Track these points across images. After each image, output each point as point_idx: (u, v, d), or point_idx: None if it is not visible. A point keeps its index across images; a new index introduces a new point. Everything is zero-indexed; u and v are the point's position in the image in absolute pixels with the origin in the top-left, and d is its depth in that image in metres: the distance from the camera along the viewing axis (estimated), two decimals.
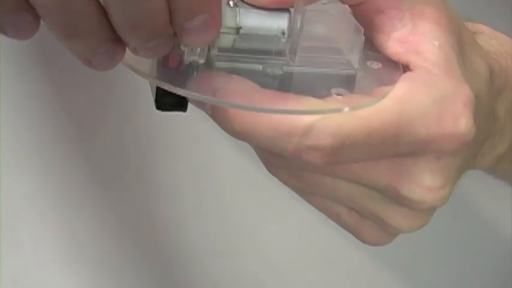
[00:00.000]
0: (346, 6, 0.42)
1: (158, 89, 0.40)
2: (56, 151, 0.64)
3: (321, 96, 0.39)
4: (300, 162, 0.39)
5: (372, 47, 0.42)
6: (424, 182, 0.40)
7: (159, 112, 0.40)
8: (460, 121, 0.39)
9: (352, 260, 0.63)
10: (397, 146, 0.39)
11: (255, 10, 0.40)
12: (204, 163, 0.63)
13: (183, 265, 0.63)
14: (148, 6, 0.35)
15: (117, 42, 0.37)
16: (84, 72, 0.64)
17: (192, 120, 0.62)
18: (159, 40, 0.37)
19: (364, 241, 0.43)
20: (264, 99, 0.38)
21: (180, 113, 0.41)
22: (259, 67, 0.40)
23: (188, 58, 0.40)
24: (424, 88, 0.39)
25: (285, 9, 0.40)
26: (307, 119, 0.38)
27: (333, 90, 0.40)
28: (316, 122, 0.38)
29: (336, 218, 0.43)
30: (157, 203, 0.63)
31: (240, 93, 0.38)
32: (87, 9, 0.36)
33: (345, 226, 0.43)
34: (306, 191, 0.42)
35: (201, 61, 0.40)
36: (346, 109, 0.38)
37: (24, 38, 0.37)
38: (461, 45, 0.42)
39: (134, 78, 0.40)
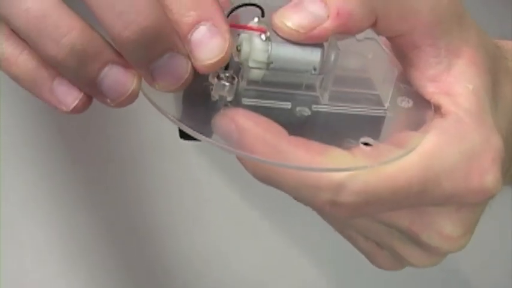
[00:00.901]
0: (381, 39, 0.41)
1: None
2: (56, 151, 0.64)
3: (348, 146, 0.39)
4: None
5: (405, 80, 0.42)
6: (444, 231, 0.40)
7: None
8: (486, 177, 0.39)
9: (350, 260, 0.63)
10: (422, 200, 0.39)
11: (288, 44, 0.39)
12: (202, 164, 0.63)
13: (183, 265, 0.63)
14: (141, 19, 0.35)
15: (122, 66, 0.37)
16: None
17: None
18: (166, 56, 0.36)
19: (377, 266, 0.44)
20: (290, 149, 0.37)
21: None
22: (288, 105, 0.39)
23: (216, 93, 0.39)
24: (453, 141, 0.39)
25: (318, 44, 0.39)
26: (334, 177, 0.37)
27: (361, 140, 0.39)
28: (342, 180, 0.37)
29: (353, 242, 0.43)
30: (157, 203, 0.63)
31: (265, 139, 0.37)
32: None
33: (360, 250, 0.43)
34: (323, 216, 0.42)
35: (229, 98, 0.39)
36: (373, 166, 0.38)
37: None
38: (496, 79, 0.42)
39: None
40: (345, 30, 0.38)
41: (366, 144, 0.39)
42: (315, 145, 0.38)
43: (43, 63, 0.37)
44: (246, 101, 0.39)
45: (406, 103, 0.41)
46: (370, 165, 0.38)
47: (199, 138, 0.38)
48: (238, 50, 0.39)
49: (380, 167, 0.38)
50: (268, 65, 0.39)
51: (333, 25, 0.38)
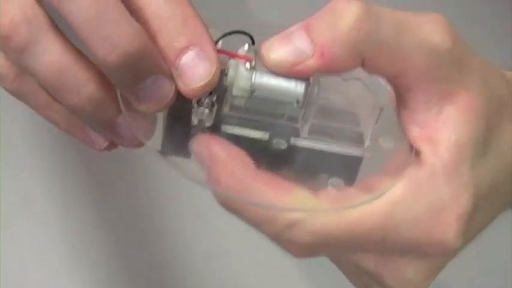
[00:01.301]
0: (364, 79, 0.41)
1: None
2: (56, 151, 0.64)
3: (317, 186, 0.39)
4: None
5: (393, 120, 0.41)
6: (407, 275, 0.40)
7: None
8: (449, 234, 0.39)
9: None
10: (383, 246, 0.39)
11: (273, 75, 0.39)
12: None
13: (182, 266, 0.63)
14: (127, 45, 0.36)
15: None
16: None
17: None
18: (150, 79, 0.37)
19: None
20: (254, 184, 0.38)
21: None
22: (266, 136, 0.40)
23: (195, 118, 0.39)
24: (421, 193, 0.39)
25: (304, 78, 0.39)
26: (292, 215, 0.38)
27: (331, 181, 0.40)
28: (299, 219, 0.38)
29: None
30: (157, 203, 0.63)
31: (233, 172, 0.38)
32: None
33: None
34: None
35: (208, 123, 0.39)
36: (333, 210, 0.38)
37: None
38: (497, 124, 0.41)
39: None
40: (328, 71, 0.38)
41: (336, 186, 0.40)
42: (280, 182, 0.38)
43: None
44: (225, 127, 0.40)
45: (387, 143, 0.41)
46: (331, 209, 0.38)
47: (173, 169, 0.39)
48: (225, 74, 0.39)
49: (342, 211, 0.38)
50: (251, 93, 0.39)
51: (316, 64, 0.38)
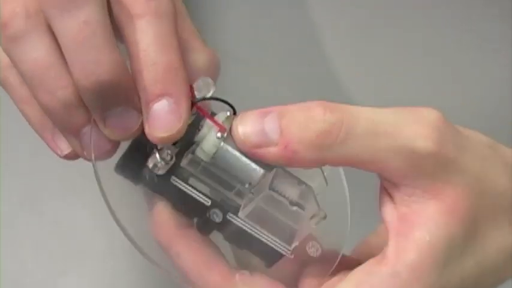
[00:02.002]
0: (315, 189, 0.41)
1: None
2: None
3: (227, 271, 0.40)
4: None
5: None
6: None
7: None
8: None
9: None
10: None
11: (238, 151, 0.39)
12: None
13: None
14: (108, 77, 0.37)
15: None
16: None
17: None
18: (119, 109, 0.38)
19: None
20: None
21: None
22: (208, 202, 0.40)
23: (151, 162, 0.40)
24: None
25: (267, 165, 0.40)
26: None
27: (240, 273, 0.40)
28: None
29: None
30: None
31: (161, 230, 0.40)
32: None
33: None
34: None
35: (160, 172, 0.40)
36: None
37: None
38: (487, 225, 0.40)
39: None
40: (288, 164, 0.38)
41: (242, 276, 0.40)
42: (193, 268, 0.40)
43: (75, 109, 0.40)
44: (174, 179, 0.40)
45: (314, 251, 0.41)
46: None
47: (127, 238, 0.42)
48: (199, 130, 0.40)
49: None
50: (212, 158, 0.39)
51: (278, 154, 0.38)
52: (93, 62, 0.36)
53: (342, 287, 0.38)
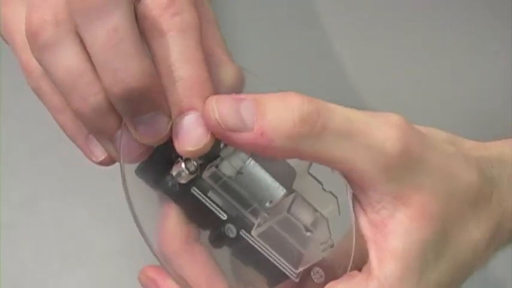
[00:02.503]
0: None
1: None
2: (55, 152, 0.64)
3: (238, 281, 0.41)
4: None
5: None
6: None
7: None
8: None
9: None
10: None
11: (263, 170, 0.40)
12: None
13: None
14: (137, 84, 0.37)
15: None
16: None
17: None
18: (149, 115, 0.38)
19: None
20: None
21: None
22: (224, 216, 0.41)
23: (174, 170, 0.40)
24: None
25: (288, 185, 0.40)
26: None
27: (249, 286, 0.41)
28: None
29: None
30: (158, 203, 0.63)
31: (169, 240, 0.41)
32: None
33: None
34: None
35: (182, 181, 0.40)
36: None
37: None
38: (458, 223, 0.40)
39: None
40: (261, 152, 0.38)
41: None
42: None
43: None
44: (194, 190, 0.41)
45: (318, 277, 0.41)
46: None
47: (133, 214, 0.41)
48: (225, 144, 0.40)
49: None
50: (237, 173, 0.40)
51: (252, 140, 0.38)
52: (123, 70, 0.36)
53: None
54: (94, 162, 0.42)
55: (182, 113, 0.38)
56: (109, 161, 0.42)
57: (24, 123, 0.65)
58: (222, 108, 0.38)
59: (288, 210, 0.40)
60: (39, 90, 0.41)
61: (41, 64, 0.39)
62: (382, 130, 0.39)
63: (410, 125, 0.39)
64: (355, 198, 0.40)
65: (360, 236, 0.40)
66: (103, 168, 0.64)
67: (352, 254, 0.41)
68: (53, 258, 0.62)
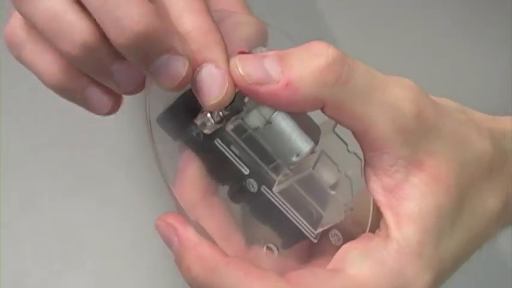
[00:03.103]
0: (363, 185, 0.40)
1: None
2: (55, 152, 0.64)
3: (242, 244, 0.40)
4: None
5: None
6: None
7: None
8: None
9: None
10: None
11: (292, 121, 0.39)
12: None
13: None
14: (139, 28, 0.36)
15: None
16: None
17: None
18: (163, 58, 0.37)
19: None
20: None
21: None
22: (247, 171, 0.40)
23: (199, 120, 0.39)
24: (387, 274, 0.38)
25: (315, 139, 0.39)
26: None
27: (269, 244, 0.40)
28: None
29: None
30: (157, 203, 0.63)
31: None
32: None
33: None
34: None
35: (206, 131, 0.39)
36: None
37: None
38: (472, 190, 0.40)
39: None
40: (287, 103, 0.38)
41: (268, 248, 0.40)
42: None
43: (75, 74, 0.40)
44: (218, 142, 0.40)
45: (336, 240, 0.41)
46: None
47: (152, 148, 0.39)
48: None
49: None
50: (265, 124, 0.39)
51: (278, 91, 0.37)
52: (125, 18, 0.35)
53: (359, 266, 0.38)
54: (101, 114, 0.41)
55: (198, 66, 0.37)
56: (115, 107, 0.41)
57: (24, 123, 0.65)
58: (246, 64, 0.37)
59: (314, 167, 0.39)
60: (23, 57, 0.40)
61: (22, 15, 0.38)
62: (399, 90, 0.38)
63: (423, 90, 0.39)
64: (366, 164, 0.40)
65: (367, 200, 0.40)
66: (103, 168, 0.64)
67: (370, 216, 0.41)
68: (53, 258, 0.62)
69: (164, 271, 0.62)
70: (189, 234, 0.38)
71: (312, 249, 0.41)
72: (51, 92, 0.41)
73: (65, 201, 0.63)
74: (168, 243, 0.39)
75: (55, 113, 0.65)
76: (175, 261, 0.38)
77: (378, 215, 0.40)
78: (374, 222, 0.40)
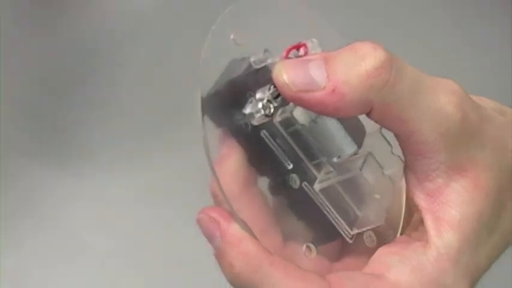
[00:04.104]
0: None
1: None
2: (56, 151, 0.65)
3: (280, 239, 0.39)
4: None
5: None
6: None
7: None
8: None
9: None
10: None
11: (337, 122, 0.38)
12: (204, 162, 0.63)
13: (183, 266, 0.63)
14: None
15: None
16: (81, 74, 0.65)
17: (193, 117, 0.62)
18: None
19: None
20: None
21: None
22: (290, 165, 0.39)
23: (247, 109, 0.38)
24: (426, 280, 0.38)
25: (359, 142, 0.38)
26: None
27: (308, 243, 0.39)
28: None
29: None
30: (158, 203, 0.63)
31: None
32: None
33: None
34: None
35: (254, 122, 0.38)
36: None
37: None
38: (506, 200, 0.39)
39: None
40: (333, 109, 0.37)
41: (307, 247, 0.39)
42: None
43: None
44: (264, 133, 0.39)
45: (369, 242, 0.40)
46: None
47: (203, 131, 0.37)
48: None
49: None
50: (310, 122, 0.38)
51: (324, 98, 0.36)
52: None
53: (398, 272, 0.38)
54: None
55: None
56: None
57: (24, 123, 0.66)
58: (290, 70, 0.37)
59: (361, 169, 0.38)
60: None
61: None
62: (444, 94, 0.37)
63: (466, 93, 0.38)
64: (406, 167, 0.39)
65: (398, 202, 0.40)
66: (103, 167, 0.64)
67: (402, 218, 0.40)
68: (53, 258, 0.62)
69: (164, 271, 0.62)
70: (233, 230, 0.37)
71: (342, 248, 0.40)
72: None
73: (65, 202, 0.63)
74: (210, 237, 0.38)
75: (56, 112, 0.65)
76: (216, 256, 0.37)
77: (408, 216, 0.40)
78: (404, 223, 0.40)
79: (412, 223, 0.40)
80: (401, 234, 0.40)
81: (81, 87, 0.66)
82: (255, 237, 0.37)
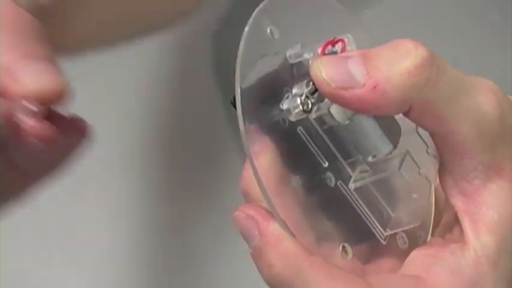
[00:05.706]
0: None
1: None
2: None
3: (313, 240, 0.38)
4: None
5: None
6: None
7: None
8: None
9: None
10: None
11: (374, 120, 0.37)
12: (205, 162, 0.63)
13: (183, 266, 0.63)
14: None
15: None
16: (82, 73, 0.64)
17: (193, 117, 0.62)
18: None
19: None
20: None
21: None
22: (326, 164, 0.38)
23: (284, 104, 0.37)
24: (465, 283, 0.37)
25: (395, 142, 0.38)
26: None
27: (344, 243, 0.38)
28: None
29: None
30: (158, 203, 0.63)
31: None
32: None
33: None
34: None
35: (291, 118, 0.37)
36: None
37: None
38: None
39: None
40: (373, 107, 0.36)
41: (343, 247, 0.38)
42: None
43: None
44: (301, 130, 0.38)
45: (402, 243, 0.40)
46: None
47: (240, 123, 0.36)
48: None
49: None
50: (347, 119, 0.38)
51: (364, 95, 0.36)
52: None
53: (436, 275, 0.37)
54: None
55: None
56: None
57: None
58: (329, 67, 0.36)
59: (399, 168, 0.38)
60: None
61: None
62: (483, 93, 0.37)
63: (503, 92, 0.38)
64: (442, 167, 0.38)
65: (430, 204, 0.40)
66: (103, 167, 0.64)
67: (432, 219, 0.40)
68: (53, 258, 0.62)
69: (164, 271, 0.62)
70: (272, 229, 0.36)
71: (373, 249, 0.40)
72: None
73: (65, 201, 0.63)
74: (247, 237, 0.37)
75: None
76: (253, 256, 0.37)
77: (438, 216, 0.39)
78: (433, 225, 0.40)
79: (443, 224, 0.40)
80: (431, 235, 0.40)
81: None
82: (294, 236, 0.36)
